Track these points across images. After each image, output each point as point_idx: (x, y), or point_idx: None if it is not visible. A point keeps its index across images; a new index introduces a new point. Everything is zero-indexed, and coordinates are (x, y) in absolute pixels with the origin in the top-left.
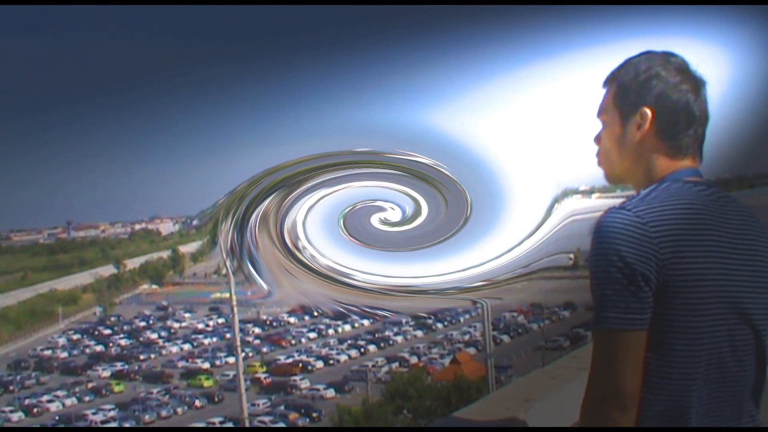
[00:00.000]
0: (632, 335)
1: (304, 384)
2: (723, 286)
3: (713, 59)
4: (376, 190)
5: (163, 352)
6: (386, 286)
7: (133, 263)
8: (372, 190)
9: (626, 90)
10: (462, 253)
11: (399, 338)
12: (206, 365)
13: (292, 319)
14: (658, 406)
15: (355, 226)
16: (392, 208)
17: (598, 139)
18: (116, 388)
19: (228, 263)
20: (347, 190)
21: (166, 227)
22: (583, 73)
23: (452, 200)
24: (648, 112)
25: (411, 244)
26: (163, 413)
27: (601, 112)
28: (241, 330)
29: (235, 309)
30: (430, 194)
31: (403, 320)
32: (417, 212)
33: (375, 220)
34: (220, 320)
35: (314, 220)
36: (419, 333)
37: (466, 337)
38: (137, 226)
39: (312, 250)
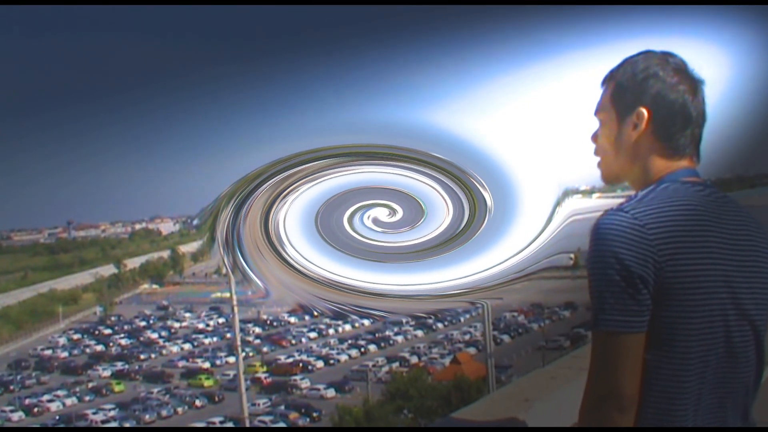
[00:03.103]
0: (631, 337)
1: (305, 384)
2: (721, 286)
3: (714, 59)
4: (405, 180)
5: (164, 351)
6: (368, 290)
7: (133, 263)
8: (402, 180)
9: (623, 89)
10: (464, 260)
11: (399, 338)
12: (207, 365)
13: (292, 319)
14: (655, 406)
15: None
16: (421, 205)
17: (595, 137)
18: (117, 388)
19: (225, 259)
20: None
21: (167, 227)
22: (584, 72)
23: (478, 217)
24: (644, 112)
25: (414, 254)
26: (164, 413)
27: (599, 111)
28: (241, 330)
29: (236, 309)
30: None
31: (404, 320)
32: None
33: (375, 209)
34: (221, 320)
35: (305, 198)
36: (420, 333)
37: (467, 337)
38: (138, 226)
39: (281, 223)
